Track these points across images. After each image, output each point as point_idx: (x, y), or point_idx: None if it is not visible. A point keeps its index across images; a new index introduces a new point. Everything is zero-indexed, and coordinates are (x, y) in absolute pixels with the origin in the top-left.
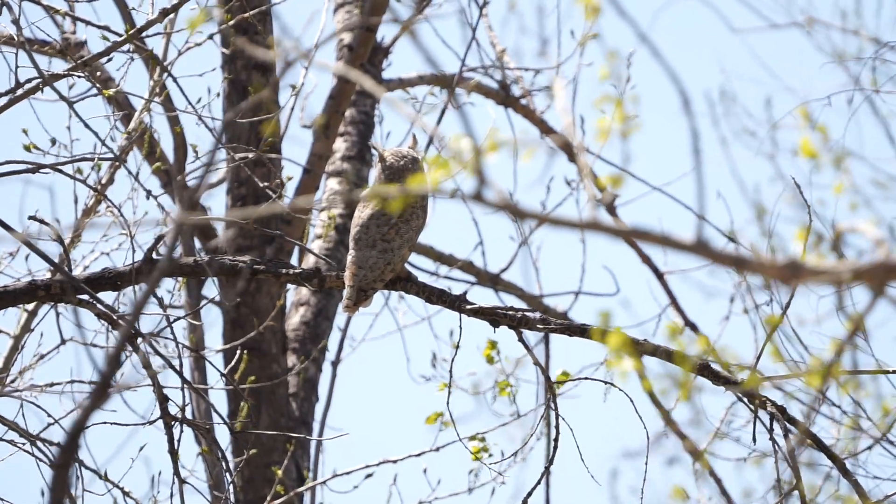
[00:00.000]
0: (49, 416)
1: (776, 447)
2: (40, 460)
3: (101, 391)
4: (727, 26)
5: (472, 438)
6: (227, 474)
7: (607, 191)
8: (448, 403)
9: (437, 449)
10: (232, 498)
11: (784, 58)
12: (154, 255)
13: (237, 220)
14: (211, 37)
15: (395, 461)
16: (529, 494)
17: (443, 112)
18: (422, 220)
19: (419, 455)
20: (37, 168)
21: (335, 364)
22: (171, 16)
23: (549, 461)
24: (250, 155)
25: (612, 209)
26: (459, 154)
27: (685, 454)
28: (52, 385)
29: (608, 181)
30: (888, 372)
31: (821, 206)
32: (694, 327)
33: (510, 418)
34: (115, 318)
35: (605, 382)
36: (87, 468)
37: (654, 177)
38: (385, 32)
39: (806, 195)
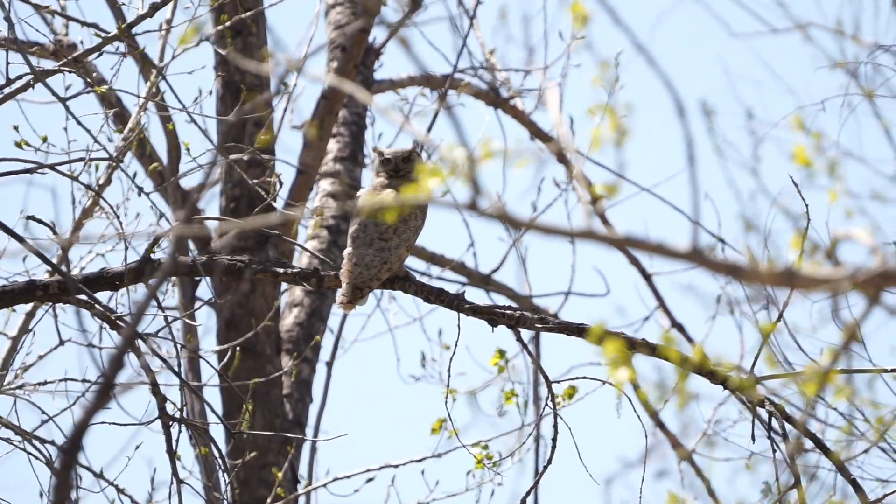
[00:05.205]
0: (44, 413)
1: (774, 445)
2: (35, 458)
3: (105, 392)
4: (726, 30)
5: (476, 445)
6: (226, 475)
7: (600, 200)
8: (447, 405)
9: (440, 455)
10: (230, 499)
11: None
12: (152, 256)
13: (236, 222)
14: (207, 38)
15: (396, 465)
16: (527, 495)
17: (435, 115)
18: (420, 220)
19: (421, 460)
20: (35, 168)
21: (329, 365)
22: (163, 11)
23: (548, 461)
24: (244, 156)
25: (601, 213)
26: (452, 162)
27: (675, 466)
28: (44, 383)
29: (601, 189)
30: (884, 371)
31: (814, 213)
32: (681, 328)
33: (507, 422)
34: (113, 318)
35: (604, 382)
36: (82, 467)
37: (644, 180)
38: (376, 34)
39: (799, 203)
